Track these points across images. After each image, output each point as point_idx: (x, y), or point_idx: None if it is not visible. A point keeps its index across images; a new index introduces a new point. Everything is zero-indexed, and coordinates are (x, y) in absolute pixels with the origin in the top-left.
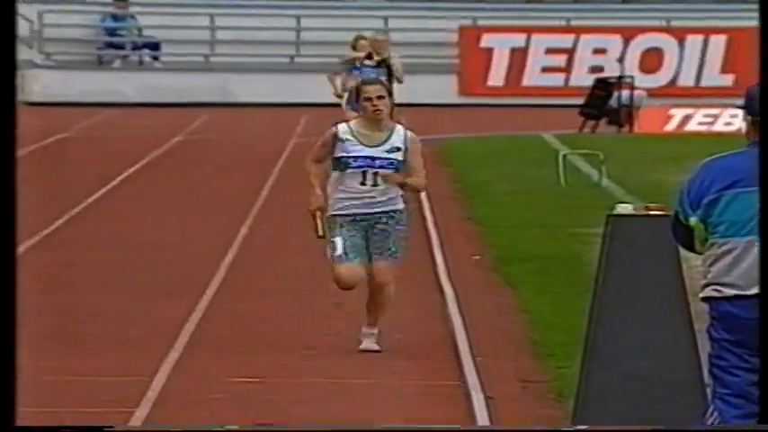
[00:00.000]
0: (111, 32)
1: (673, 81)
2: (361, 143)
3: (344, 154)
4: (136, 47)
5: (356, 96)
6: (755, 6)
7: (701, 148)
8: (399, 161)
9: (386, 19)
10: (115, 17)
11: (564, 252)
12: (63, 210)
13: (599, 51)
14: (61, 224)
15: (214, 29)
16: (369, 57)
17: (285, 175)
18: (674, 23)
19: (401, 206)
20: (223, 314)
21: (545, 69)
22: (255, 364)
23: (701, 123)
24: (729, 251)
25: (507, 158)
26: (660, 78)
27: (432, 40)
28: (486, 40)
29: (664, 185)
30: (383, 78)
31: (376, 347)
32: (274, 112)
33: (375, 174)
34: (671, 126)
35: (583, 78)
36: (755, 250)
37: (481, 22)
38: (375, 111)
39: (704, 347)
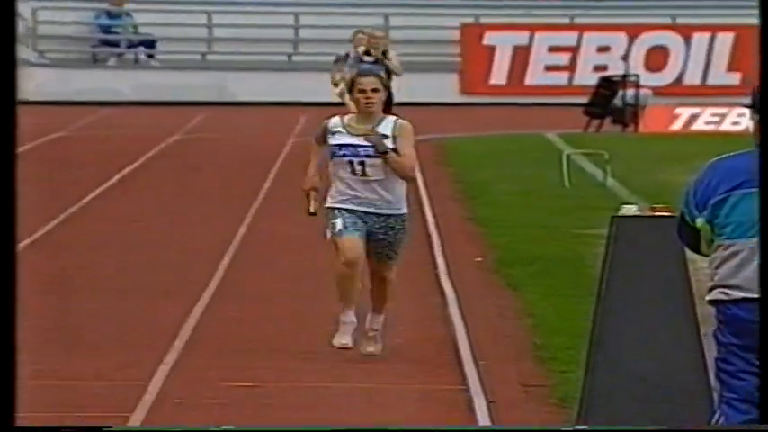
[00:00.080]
0: (107, 30)
1: (678, 79)
2: (348, 133)
3: (332, 142)
4: (131, 45)
5: (350, 88)
6: None
7: (708, 148)
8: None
9: (386, 16)
10: (110, 14)
11: (567, 254)
12: (58, 210)
13: (603, 49)
14: (56, 225)
15: (211, 26)
16: (367, 53)
17: (284, 174)
18: (680, 21)
19: (404, 211)
20: (221, 316)
21: (548, 68)
22: (253, 368)
23: (707, 123)
24: (736, 253)
25: (510, 158)
26: (666, 77)
27: (433, 38)
28: (489, 38)
29: (669, 186)
30: (382, 74)
31: (373, 350)
32: (272, 111)
33: (362, 163)
34: (677, 125)
35: (587, 77)
36: None
37: (483, 20)
38: (367, 103)
39: (710, 351)
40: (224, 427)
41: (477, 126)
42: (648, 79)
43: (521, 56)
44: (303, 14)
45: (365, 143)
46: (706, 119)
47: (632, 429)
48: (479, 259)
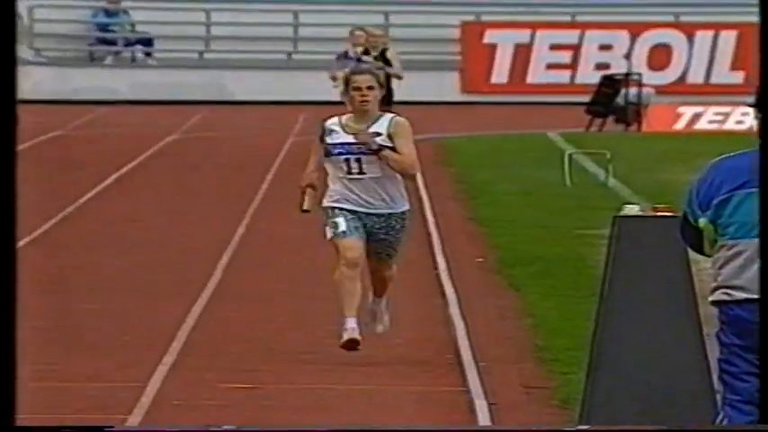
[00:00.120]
0: (103, 28)
1: (682, 78)
2: (345, 132)
3: (328, 141)
4: (129, 43)
5: (345, 86)
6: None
7: (711, 148)
8: (381, 145)
9: (386, 14)
10: (107, 12)
11: (569, 254)
12: (55, 210)
13: (605, 47)
14: (53, 224)
15: (209, 24)
16: (365, 52)
17: (283, 174)
18: (683, 19)
19: (405, 208)
20: (219, 317)
21: (550, 66)
22: (251, 369)
23: (710, 122)
24: (739, 253)
25: (511, 158)
26: (669, 75)
27: (433, 36)
28: (490, 36)
29: (672, 185)
30: (381, 73)
31: (381, 328)
32: (271, 110)
33: (357, 160)
34: (680, 124)
35: (589, 75)
36: None
37: (484, 18)
38: (362, 101)
39: (713, 352)
40: (224, 427)
41: (478, 125)
42: (651, 78)
43: (522, 54)
44: (302, 12)
45: (359, 141)
46: (709, 118)
47: (633, 429)
48: (480, 260)
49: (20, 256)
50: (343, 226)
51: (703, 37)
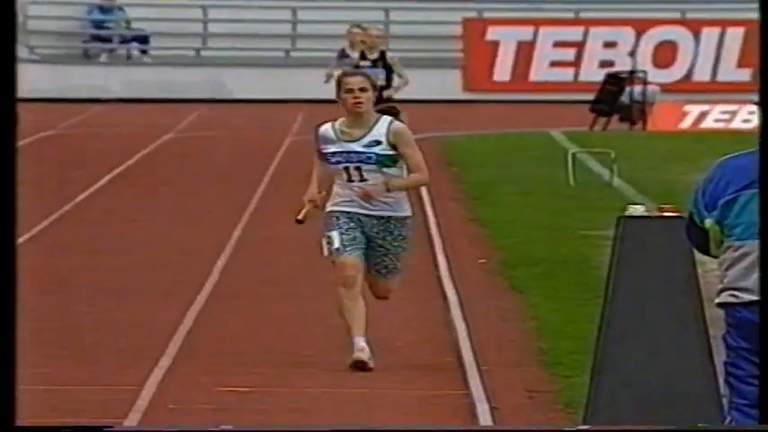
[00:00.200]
0: (98, 25)
1: (687, 76)
2: (340, 139)
3: (324, 150)
4: (124, 40)
5: (338, 89)
6: None
7: (718, 147)
8: (380, 155)
9: (386, 11)
10: (102, 9)
11: (573, 255)
12: (48, 211)
13: (610, 45)
14: (46, 226)
15: (206, 21)
16: (363, 57)
17: (281, 174)
18: (689, 15)
19: (406, 213)
20: (216, 319)
21: (553, 64)
22: (248, 373)
23: (717, 120)
24: (746, 254)
25: (513, 157)
26: (674, 73)
27: (434, 33)
28: (492, 33)
29: (678, 185)
30: (381, 77)
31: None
32: (269, 109)
33: (358, 169)
34: (686, 123)
35: (593, 73)
36: None
37: (486, 14)
38: (356, 103)
39: (720, 355)
40: (222, 428)
41: (480, 124)
42: (656, 75)
43: (525, 51)
44: (301, 9)
45: (358, 149)
46: (716, 116)
47: (632, 429)
48: (482, 261)
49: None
50: (336, 242)
51: (710, 34)
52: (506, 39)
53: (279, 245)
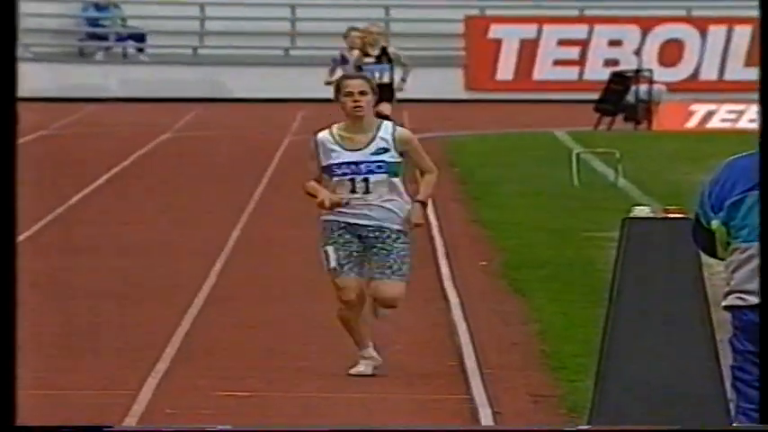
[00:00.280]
0: (94, 23)
1: (694, 75)
2: (344, 148)
3: (329, 162)
4: (120, 38)
5: (336, 92)
6: None
7: (724, 147)
8: (389, 162)
9: (387, 8)
10: (98, 6)
11: (577, 257)
12: (42, 213)
13: (615, 43)
14: (41, 227)
15: (204, 19)
16: (365, 54)
17: (280, 174)
18: (696, 13)
19: (399, 226)
20: (213, 322)
21: (557, 62)
22: (246, 377)
23: (724, 120)
24: (753, 256)
25: (516, 157)
26: (680, 72)
27: (436, 32)
28: (495, 31)
29: (684, 186)
30: (387, 74)
31: (386, 312)
32: (268, 108)
33: (365, 180)
34: (692, 123)
35: (598, 72)
36: None
37: (489, 12)
38: (355, 107)
39: (726, 359)
40: (220, 428)
41: (483, 124)
42: (662, 74)
43: (528, 50)
44: (300, 7)
45: (366, 159)
46: (722, 116)
47: (632, 429)
48: (484, 263)
49: None
50: (333, 260)
51: (716, 32)
52: (509, 37)
53: (278, 246)
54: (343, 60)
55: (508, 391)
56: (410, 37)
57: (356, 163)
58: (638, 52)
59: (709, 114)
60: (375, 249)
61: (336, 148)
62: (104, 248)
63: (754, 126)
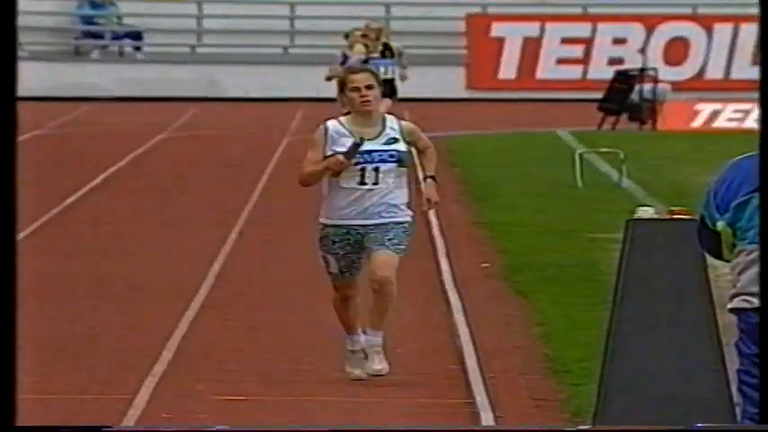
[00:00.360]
0: (90, 21)
1: (699, 73)
2: (356, 138)
3: (341, 149)
4: (116, 36)
5: (341, 87)
6: None
7: (730, 147)
8: (400, 152)
9: (387, 6)
10: (93, 4)
11: (580, 259)
12: (36, 214)
13: (619, 41)
14: (35, 229)
15: (201, 17)
16: (369, 53)
17: (279, 175)
18: (701, 11)
19: (406, 219)
20: (211, 326)
21: (560, 61)
22: (244, 381)
23: (730, 119)
24: (759, 258)
25: (519, 157)
26: (686, 70)
27: (437, 30)
28: (497, 30)
29: (689, 187)
30: (392, 69)
31: (380, 368)
32: (266, 108)
33: (375, 169)
34: (697, 122)
35: (602, 71)
36: None
37: (491, 10)
38: (363, 101)
39: (732, 363)
40: (218, 427)
41: (485, 123)
42: (667, 73)
43: (531, 48)
44: (299, 4)
45: (379, 148)
46: (728, 115)
47: (632, 429)
48: (486, 265)
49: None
50: (333, 266)
51: (722, 30)
52: (512, 35)
53: (276, 249)
54: (345, 60)
55: (510, 394)
56: (410, 35)
57: (369, 152)
58: (642, 51)
59: (715, 114)
60: (374, 235)
61: (350, 136)
62: (100, 250)
63: None
